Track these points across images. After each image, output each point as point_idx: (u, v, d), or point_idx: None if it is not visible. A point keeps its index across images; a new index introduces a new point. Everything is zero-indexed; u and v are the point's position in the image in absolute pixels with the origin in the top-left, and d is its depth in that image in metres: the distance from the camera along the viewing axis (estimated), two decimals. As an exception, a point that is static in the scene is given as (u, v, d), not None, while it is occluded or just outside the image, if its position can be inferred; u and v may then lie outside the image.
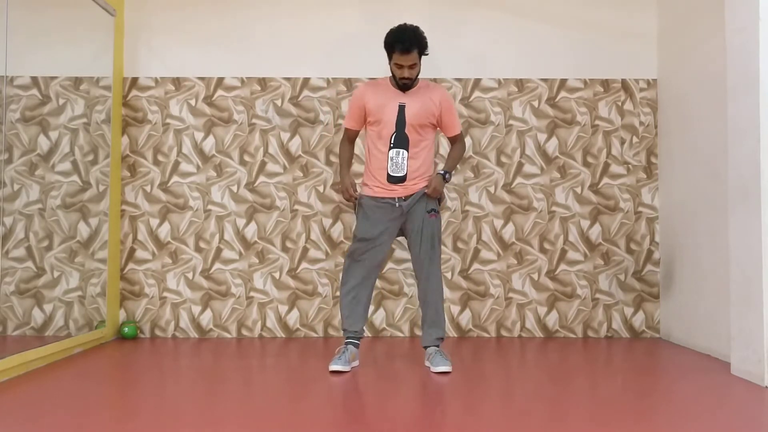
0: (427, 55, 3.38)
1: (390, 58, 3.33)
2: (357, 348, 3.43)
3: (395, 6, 4.46)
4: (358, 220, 3.44)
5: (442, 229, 4.38)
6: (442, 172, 3.43)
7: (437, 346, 3.42)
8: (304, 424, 2.39)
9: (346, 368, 3.29)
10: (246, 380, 3.15)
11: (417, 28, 3.33)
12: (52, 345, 3.55)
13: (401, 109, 3.32)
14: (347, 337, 3.42)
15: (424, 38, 3.32)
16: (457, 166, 3.60)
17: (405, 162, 3.33)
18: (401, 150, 3.32)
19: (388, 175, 3.34)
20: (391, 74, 3.39)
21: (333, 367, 3.26)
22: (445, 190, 4.34)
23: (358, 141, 3.71)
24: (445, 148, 4.40)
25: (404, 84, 3.33)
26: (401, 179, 3.34)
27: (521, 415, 2.53)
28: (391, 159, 3.32)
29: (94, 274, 4.13)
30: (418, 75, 3.36)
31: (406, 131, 3.33)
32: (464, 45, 4.48)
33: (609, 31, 4.49)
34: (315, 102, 4.44)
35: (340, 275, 3.58)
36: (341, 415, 2.56)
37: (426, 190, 3.36)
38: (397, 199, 3.35)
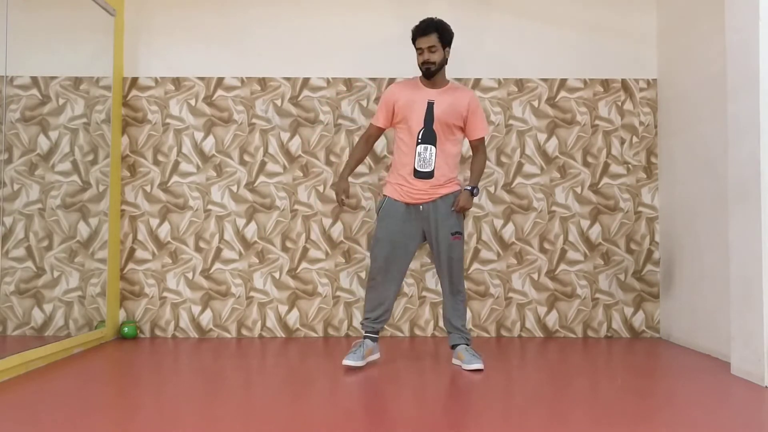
0: (449, 45, 3.44)
1: (416, 50, 3.43)
2: (375, 342, 3.48)
3: (395, 6, 4.46)
4: (378, 221, 3.47)
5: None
6: (470, 187, 3.44)
7: (467, 344, 3.48)
8: (304, 424, 2.39)
9: (360, 363, 3.34)
10: (246, 380, 3.15)
11: (441, 20, 3.44)
12: (52, 345, 3.55)
13: (430, 105, 3.38)
14: (365, 331, 3.49)
15: (446, 27, 3.43)
16: (482, 174, 3.64)
17: (433, 158, 3.36)
18: (429, 146, 3.36)
19: (415, 170, 3.37)
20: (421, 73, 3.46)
21: (345, 362, 3.33)
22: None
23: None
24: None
25: (427, 69, 3.37)
26: (429, 174, 3.36)
27: (521, 415, 2.53)
28: (419, 154, 3.36)
29: (94, 274, 4.13)
30: (442, 63, 3.41)
31: (434, 128, 3.37)
32: (464, 45, 4.47)
33: (609, 31, 4.49)
34: (315, 102, 4.44)
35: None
36: (341, 415, 2.56)
37: (454, 208, 3.39)
38: (422, 206, 3.40)
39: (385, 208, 3.44)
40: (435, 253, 3.45)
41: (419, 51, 3.40)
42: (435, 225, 3.40)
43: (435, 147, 3.36)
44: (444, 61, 3.43)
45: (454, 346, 3.48)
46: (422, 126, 3.37)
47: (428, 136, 3.36)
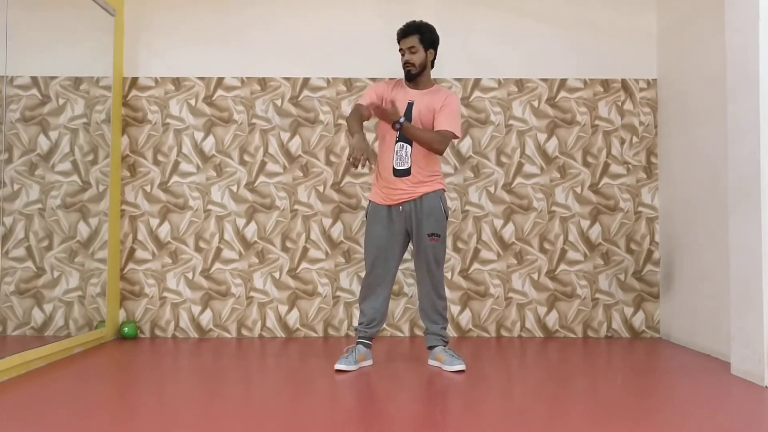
0: (433, 48, 3.46)
1: (399, 51, 3.48)
2: (367, 348, 3.44)
3: (395, 6, 4.46)
4: (366, 225, 3.51)
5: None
6: (402, 119, 3.29)
7: (444, 345, 3.44)
8: (304, 424, 2.39)
9: (351, 367, 3.31)
10: (246, 380, 3.15)
11: (424, 21, 3.47)
12: (52, 345, 3.55)
13: (409, 106, 3.40)
14: (358, 337, 3.47)
15: (429, 28, 3.45)
16: (420, 135, 3.33)
17: (408, 156, 3.37)
18: (405, 144, 3.37)
19: (394, 169, 3.38)
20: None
21: (337, 366, 3.30)
22: (447, 198, 4.30)
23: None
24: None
25: (408, 71, 3.41)
26: (406, 172, 3.37)
27: (521, 415, 2.53)
28: (396, 153, 3.38)
29: (94, 274, 4.13)
30: (423, 64, 3.42)
31: None
32: (464, 45, 4.48)
33: (609, 31, 4.49)
34: (315, 102, 4.44)
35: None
36: (341, 415, 2.56)
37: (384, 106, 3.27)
38: (401, 206, 3.39)
39: (370, 213, 3.48)
40: (415, 253, 3.45)
41: (401, 53, 3.43)
42: (416, 224, 3.39)
43: (411, 146, 3.37)
44: (426, 63, 3.44)
45: (431, 347, 3.46)
46: None
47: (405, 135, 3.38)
